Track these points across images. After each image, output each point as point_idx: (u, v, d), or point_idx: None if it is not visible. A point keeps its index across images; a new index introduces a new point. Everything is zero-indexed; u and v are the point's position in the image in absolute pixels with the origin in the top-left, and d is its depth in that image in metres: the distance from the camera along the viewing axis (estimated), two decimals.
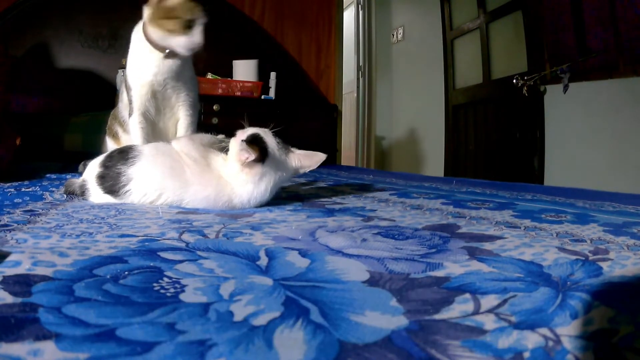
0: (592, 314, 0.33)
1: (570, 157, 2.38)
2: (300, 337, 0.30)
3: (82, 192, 0.91)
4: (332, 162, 2.88)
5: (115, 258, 0.46)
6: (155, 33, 1.15)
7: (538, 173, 2.51)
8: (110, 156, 0.90)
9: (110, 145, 1.34)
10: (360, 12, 4.36)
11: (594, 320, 0.32)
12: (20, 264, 0.44)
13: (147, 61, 1.19)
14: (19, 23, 2.62)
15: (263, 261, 0.47)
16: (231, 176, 0.83)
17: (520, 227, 0.67)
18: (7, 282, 0.39)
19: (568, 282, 0.40)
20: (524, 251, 0.52)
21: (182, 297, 0.36)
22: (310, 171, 1.83)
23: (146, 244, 0.53)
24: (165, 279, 0.40)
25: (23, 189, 1.06)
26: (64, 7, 2.68)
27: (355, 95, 4.33)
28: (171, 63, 1.19)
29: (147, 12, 1.19)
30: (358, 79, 4.33)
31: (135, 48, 1.22)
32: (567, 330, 0.31)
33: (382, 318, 0.34)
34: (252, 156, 0.80)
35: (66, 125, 2.26)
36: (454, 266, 0.46)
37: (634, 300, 0.36)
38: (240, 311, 0.33)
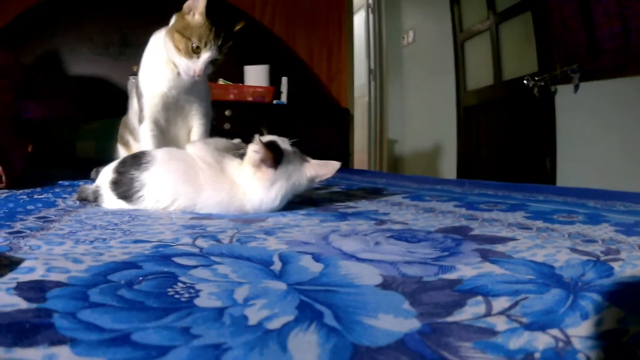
0: (603, 315, 0.33)
1: (582, 156, 2.36)
2: (314, 340, 0.31)
3: (95, 198, 0.93)
4: (344, 166, 2.88)
5: (129, 264, 0.47)
6: (167, 43, 1.13)
7: (550, 173, 2.49)
8: (124, 162, 0.92)
9: (122, 153, 1.35)
10: (371, 16, 4.37)
11: (604, 320, 0.32)
12: (34, 270, 0.45)
13: (161, 73, 1.17)
14: (30, 30, 2.66)
15: (277, 266, 0.48)
16: (244, 181, 0.84)
17: (532, 229, 0.67)
18: (21, 288, 0.40)
19: (579, 283, 0.40)
20: (536, 252, 0.52)
21: (196, 301, 0.36)
22: None
23: (160, 249, 0.54)
24: (180, 284, 0.41)
25: (35, 196, 1.08)
26: (75, 14, 2.72)
27: (367, 98, 4.33)
28: (185, 80, 1.17)
29: (173, 19, 1.16)
30: (369, 82, 4.34)
31: (151, 56, 1.20)
32: (577, 331, 0.31)
33: (395, 321, 0.35)
34: (264, 156, 0.80)
35: (78, 132, 2.29)
36: (467, 268, 0.46)
37: None
38: (254, 315, 0.34)
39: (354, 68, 3.48)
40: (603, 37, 2.21)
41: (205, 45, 1.09)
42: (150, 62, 1.19)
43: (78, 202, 0.98)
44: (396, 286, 0.42)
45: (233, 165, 0.88)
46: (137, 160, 0.89)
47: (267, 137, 0.88)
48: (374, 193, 1.21)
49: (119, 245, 0.56)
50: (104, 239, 0.60)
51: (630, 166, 2.10)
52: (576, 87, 2.28)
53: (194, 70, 1.10)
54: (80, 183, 1.43)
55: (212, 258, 0.50)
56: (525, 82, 2.52)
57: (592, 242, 0.58)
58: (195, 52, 1.10)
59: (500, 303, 0.37)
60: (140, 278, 0.42)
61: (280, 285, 0.42)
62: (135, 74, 2.72)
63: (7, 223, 0.71)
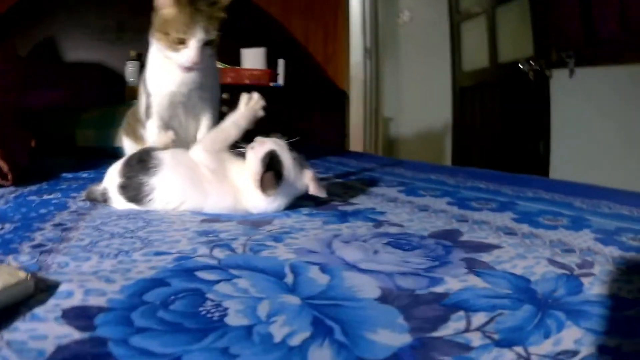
0: (562, 334, 0.40)
1: (576, 141, 2.42)
2: (328, 355, 0.38)
3: (105, 200, 0.97)
4: (341, 148, 2.94)
5: (157, 281, 0.53)
6: (156, 44, 1.11)
7: (544, 157, 2.56)
8: (129, 165, 0.95)
9: (130, 145, 1.34)
10: None
11: (562, 340, 0.39)
12: (72, 294, 0.49)
13: (168, 70, 1.14)
14: (26, 19, 2.64)
15: (289, 278, 0.55)
16: (248, 188, 0.90)
17: (517, 234, 0.75)
18: (67, 316, 0.44)
19: (550, 300, 0.48)
20: (517, 264, 0.59)
21: (227, 320, 0.43)
22: (321, 161, 1.88)
23: (182, 262, 0.60)
24: (209, 302, 0.47)
25: (45, 196, 1.10)
26: (70, 0, 2.70)
27: (363, 77, 4.35)
28: (194, 75, 1.14)
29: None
30: (365, 61, 4.35)
31: (156, 56, 1.17)
32: (538, 350, 0.38)
33: (391, 336, 0.42)
34: (265, 185, 0.87)
35: (77, 120, 2.29)
36: (453, 281, 0.53)
37: (601, 322, 0.43)
38: (278, 332, 0.41)
39: (350, 47, 3.48)
40: (599, 25, 2.24)
41: (188, 32, 1.05)
42: (155, 62, 1.18)
43: (88, 202, 1.01)
44: (392, 300, 0.49)
45: (235, 169, 0.93)
46: (144, 164, 0.93)
47: (267, 144, 0.91)
48: (371, 185, 1.27)
49: (142, 258, 0.62)
50: (127, 252, 0.64)
51: (623, 151, 2.17)
52: (571, 72, 2.32)
53: (187, 60, 1.07)
54: (84, 175, 1.48)
55: (231, 271, 0.56)
56: (520, 66, 2.56)
57: (571, 252, 0.65)
58: (181, 43, 1.07)
59: (479, 318, 0.44)
60: (172, 297, 0.48)
61: (295, 300, 0.48)
62: (134, 59, 2.70)
63: (27, 234, 0.75)
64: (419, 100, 3.89)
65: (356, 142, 4.10)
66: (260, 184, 0.87)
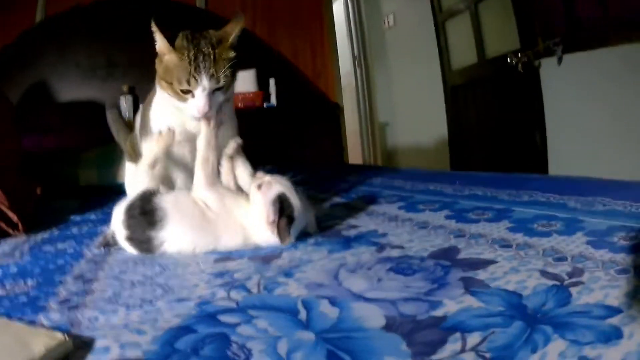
0: (548, 348, 0.45)
1: (571, 128, 2.46)
2: None
3: (116, 242, 0.99)
4: (339, 161, 2.98)
5: (184, 328, 0.58)
6: (163, 93, 1.05)
7: (541, 147, 2.60)
8: (133, 217, 0.95)
9: (134, 170, 1.22)
10: (350, 3, 4.41)
11: (547, 354, 0.44)
12: (109, 349, 0.53)
13: (176, 115, 1.07)
14: (15, 63, 2.66)
15: (302, 315, 0.60)
16: (258, 226, 0.94)
17: (512, 246, 0.79)
18: None
19: (539, 315, 0.52)
20: (510, 279, 0.64)
21: None
22: (322, 177, 1.92)
23: (203, 307, 0.65)
24: (234, 345, 0.52)
25: (59, 245, 1.12)
26: (58, 41, 2.73)
27: (354, 85, 4.41)
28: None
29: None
30: (355, 69, 4.41)
31: (162, 96, 1.08)
32: None
33: None
34: (279, 234, 0.91)
35: (78, 161, 2.31)
36: (451, 303, 0.58)
37: (585, 332, 0.47)
38: None
39: (339, 56, 3.53)
40: (582, 9, 2.29)
41: (192, 81, 0.97)
42: (162, 106, 1.10)
43: (102, 248, 1.02)
44: (395, 327, 0.54)
45: (238, 205, 0.97)
46: (149, 217, 0.93)
47: (274, 188, 0.93)
48: (371, 203, 1.32)
49: (166, 306, 0.66)
50: (150, 301, 0.69)
51: (618, 133, 2.20)
52: (559, 60, 2.36)
53: (197, 110, 0.99)
54: (92, 217, 1.51)
55: (249, 312, 0.62)
56: (508, 60, 2.60)
57: (562, 260, 0.70)
58: (187, 92, 1.00)
59: (473, 339, 0.49)
60: (201, 343, 0.53)
61: (310, 336, 0.54)
62: (126, 93, 2.70)
63: (51, 289, 0.78)
64: (413, 103, 3.94)
65: (354, 151, 4.16)
66: (277, 233, 0.91)
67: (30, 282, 0.85)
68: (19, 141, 1.84)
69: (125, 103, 2.73)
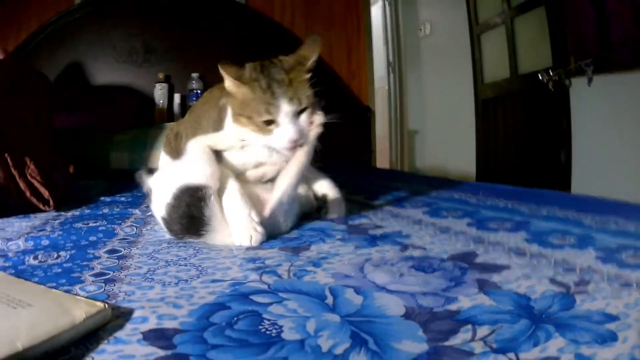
0: (549, 343, 0.51)
1: (597, 149, 2.48)
2: None
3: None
4: (367, 164, 3.04)
5: (219, 305, 0.64)
6: (240, 129, 0.99)
7: (565, 166, 2.61)
8: (174, 220, 0.99)
9: (168, 161, 1.24)
10: (388, 8, 4.46)
11: (547, 348, 0.50)
12: (148, 319, 0.58)
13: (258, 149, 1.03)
14: (52, 42, 2.74)
15: (329, 300, 0.66)
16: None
17: (526, 255, 0.85)
18: (148, 338, 0.52)
19: (544, 315, 0.58)
20: (522, 284, 0.70)
21: (283, 336, 0.55)
22: (349, 178, 1.99)
23: (236, 287, 0.71)
24: (266, 322, 0.59)
25: (91, 223, 1.17)
26: (96, 23, 2.81)
27: (387, 91, 4.46)
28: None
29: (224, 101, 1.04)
30: (388, 74, 4.46)
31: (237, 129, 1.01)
32: (526, 355, 0.49)
33: (412, 345, 0.53)
34: None
35: (110, 143, 2.37)
36: (465, 300, 0.65)
37: (584, 334, 0.53)
38: (324, 344, 0.53)
39: (373, 61, 3.57)
40: (615, 31, 2.30)
41: (272, 110, 0.93)
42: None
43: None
44: (414, 316, 0.60)
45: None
46: (195, 224, 0.97)
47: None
48: (397, 205, 1.39)
49: (201, 285, 0.73)
50: (186, 280, 0.75)
51: None
52: (590, 80, 2.38)
53: (285, 141, 0.95)
54: (122, 199, 1.59)
55: (280, 294, 0.69)
56: (540, 77, 2.63)
57: (571, 271, 0.75)
58: (270, 123, 0.95)
59: (482, 331, 0.55)
60: (235, 318, 0.60)
61: (336, 318, 0.60)
62: (161, 81, 2.75)
63: (85, 263, 0.83)
64: (443, 113, 3.97)
65: (382, 156, 4.21)
66: None
67: (63, 254, 0.90)
68: (51, 119, 1.89)
69: (160, 91, 2.81)
